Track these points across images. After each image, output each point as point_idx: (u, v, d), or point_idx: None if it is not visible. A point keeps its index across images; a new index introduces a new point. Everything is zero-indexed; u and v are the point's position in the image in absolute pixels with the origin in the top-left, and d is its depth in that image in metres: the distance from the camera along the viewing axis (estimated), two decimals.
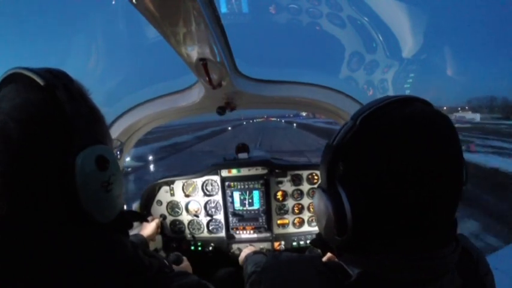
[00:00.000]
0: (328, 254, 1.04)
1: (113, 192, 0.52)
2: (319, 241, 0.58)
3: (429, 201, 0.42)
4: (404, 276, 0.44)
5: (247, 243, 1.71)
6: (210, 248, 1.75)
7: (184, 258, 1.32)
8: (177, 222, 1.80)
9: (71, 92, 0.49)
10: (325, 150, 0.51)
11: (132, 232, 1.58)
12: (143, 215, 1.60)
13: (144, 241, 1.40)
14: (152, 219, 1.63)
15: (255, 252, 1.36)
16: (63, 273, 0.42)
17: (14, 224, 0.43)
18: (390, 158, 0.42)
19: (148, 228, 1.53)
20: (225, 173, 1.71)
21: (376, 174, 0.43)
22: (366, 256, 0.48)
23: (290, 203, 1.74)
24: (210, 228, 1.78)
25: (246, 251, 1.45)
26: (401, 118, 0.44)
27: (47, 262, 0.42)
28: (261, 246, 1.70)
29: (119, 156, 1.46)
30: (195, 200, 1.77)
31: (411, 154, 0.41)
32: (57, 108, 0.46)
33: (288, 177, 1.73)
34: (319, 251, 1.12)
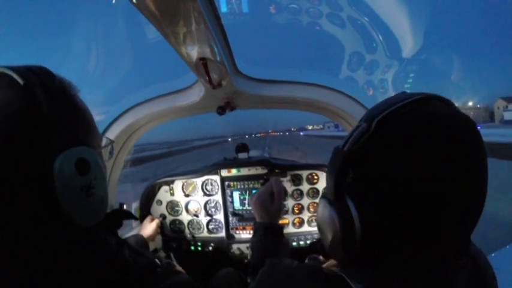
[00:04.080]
0: (330, 261, 1.01)
1: (95, 196, 0.50)
2: (321, 247, 0.55)
3: (449, 215, 0.39)
4: None
5: (247, 243, 1.70)
6: (210, 248, 1.74)
7: (176, 264, 1.31)
8: (177, 222, 1.80)
9: (49, 91, 0.46)
10: (334, 156, 0.46)
11: (132, 232, 1.58)
12: (133, 215, 1.59)
13: (143, 241, 1.39)
14: (152, 220, 1.63)
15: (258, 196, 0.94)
16: (39, 274, 0.41)
17: None
18: (409, 166, 0.39)
19: (148, 229, 1.52)
20: (224, 172, 1.71)
21: (391, 184, 0.39)
22: (371, 270, 0.45)
23: (290, 203, 1.73)
24: (210, 228, 1.78)
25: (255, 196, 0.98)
26: (420, 121, 0.40)
27: (22, 263, 0.41)
28: None
29: (109, 156, 1.45)
30: (194, 200, 1.77)
31: (431, 162, 0.38)
32: (35, 108, 0.44)
33: (288, 177, 1.73)
34: (320, 257, 1.07)
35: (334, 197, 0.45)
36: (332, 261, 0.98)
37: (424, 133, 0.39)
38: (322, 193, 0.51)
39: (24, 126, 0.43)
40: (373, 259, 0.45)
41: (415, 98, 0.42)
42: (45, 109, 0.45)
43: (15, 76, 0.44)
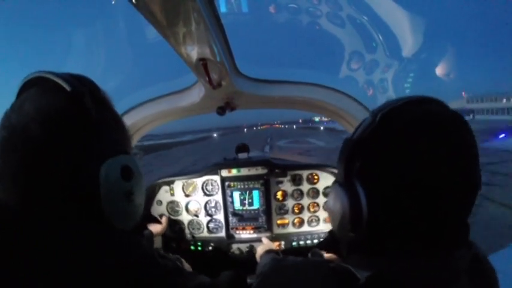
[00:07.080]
0: (332, 257, 1.02)
1: (135, 202, 0.53)
2: (329, 242, 0.57)
3: (439, 203, 0.42)
4: (415, 279, 0.43)
5: (247, 243, 1.71)
6: (210, 248, 1.74)
7: (183, 260, 1.31)
8: (177, 222, 1.80)
9: (97, 99, 0.49)
10: (344, 145, 0.51)
11: None
12: (157, 218, 1.64)
13: (150, 236, 1.40)
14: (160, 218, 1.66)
15: (267, 252, 1.31)
16: (79, 272, 0.42)
17: (24, 216, 0.44)
18: (405, 155, 0.43)
19: (157, 225, 1.55)
20: (225, 172, 1.71)
21: (391, 171, 0.44)
22: (376, 258, 0.47)
23: (290, 203, 1.74)
24: (210, 228, 1.78)
25: (260, 250, 1.39)
26: (418, 117, 0.45)
27: (65, 261, 0.42)
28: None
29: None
30: (195, 200, 1.77)
31: (425, 152, 0.42)
32: (84, 114, 0.47)
33: (288, 177, 1.73)
34: (323, 253, 1.09)
35: (344, 180, 0.49)
36: (333, 256, 1.00)
37: (421, 127, 0.44)
38: (335, 180, 0.57)
39: (74, 130, 0.46)
40: (377, 246, 0.47)
41: (415, 98, 0.47)
42: (94, 116, 0.47)
43: (61, 82, 0.46)
